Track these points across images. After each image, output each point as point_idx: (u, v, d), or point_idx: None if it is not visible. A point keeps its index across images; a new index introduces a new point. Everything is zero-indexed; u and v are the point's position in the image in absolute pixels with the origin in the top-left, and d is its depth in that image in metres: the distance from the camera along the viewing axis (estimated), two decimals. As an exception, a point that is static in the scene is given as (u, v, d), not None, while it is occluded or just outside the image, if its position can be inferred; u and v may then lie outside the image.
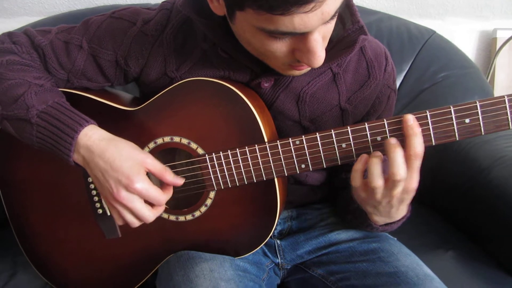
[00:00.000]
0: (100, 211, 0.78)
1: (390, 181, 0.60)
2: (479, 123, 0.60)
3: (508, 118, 0.59)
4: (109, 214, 0.77)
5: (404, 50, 1.25)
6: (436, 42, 1.27)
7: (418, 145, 0.59)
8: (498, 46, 1.47)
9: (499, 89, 1.54)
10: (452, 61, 1.25)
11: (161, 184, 0.70)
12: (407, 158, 0.59)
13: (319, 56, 0.58)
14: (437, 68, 1.23)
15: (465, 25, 1.53)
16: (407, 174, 0.60)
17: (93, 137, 0.66)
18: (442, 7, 1.47)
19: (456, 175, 1.07)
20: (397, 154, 0.59)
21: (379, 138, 0.63)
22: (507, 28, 1.48)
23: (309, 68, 0.67)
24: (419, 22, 1.35)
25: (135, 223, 0.68)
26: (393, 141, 0.60)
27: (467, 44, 1.55)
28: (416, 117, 0.60)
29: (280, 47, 0.59)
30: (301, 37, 0.57)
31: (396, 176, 0.59)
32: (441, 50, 1.26)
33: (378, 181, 0.61)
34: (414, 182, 0.60)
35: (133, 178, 0.64)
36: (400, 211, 0.68)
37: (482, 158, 1.01)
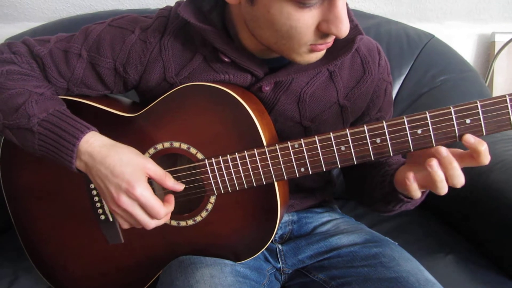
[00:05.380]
0: (102, 217, 0.78)
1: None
2: (480, 123, 0.59)
3: (510, 117, 0.57)
4: (111, 220, 0.78)
5: (403, 54, 1.26)
6: (435, 46, 1.28)
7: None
8: (496, 50, 1.48)
9: (498, 93, 1.55)
10: (450, 65, 1.25)
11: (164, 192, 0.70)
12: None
13: (347, 23, 0.60)
14: (436, 72, 1.24)
15: (463, 29, 1.53)
16: None
17: (94, 144, 0.67)
18: (441, 11, 1.48)
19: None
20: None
21: (378, 140, 0.63)
22: (506, 32, 1.49)
23: (325, 50, 0.67)
24: (418, 26, 1.36)
25: (138, 226, 0.69)
26: (444, 153, 0.60)
27: (466, 48, 1.56)
28: (415, 118, 0.61)
29: (307, 19, 0.60)
30: (328, 6, 0.59)
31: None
32: (440, 54, 1.27)
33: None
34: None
35: (133, 183, 0.64)
36: None
37: (481, 162, 1.01)
